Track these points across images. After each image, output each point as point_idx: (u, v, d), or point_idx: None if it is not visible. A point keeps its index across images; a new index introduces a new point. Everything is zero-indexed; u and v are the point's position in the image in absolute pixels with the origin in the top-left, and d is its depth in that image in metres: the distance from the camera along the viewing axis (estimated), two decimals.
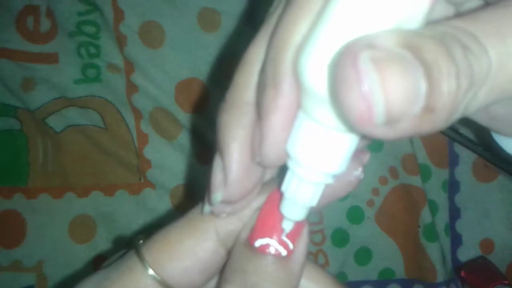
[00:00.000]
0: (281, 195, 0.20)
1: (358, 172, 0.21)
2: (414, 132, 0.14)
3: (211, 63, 0.54)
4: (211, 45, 0.53)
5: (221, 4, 0.53)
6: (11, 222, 0.51)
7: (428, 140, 0.56)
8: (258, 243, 0.20)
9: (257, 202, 0.21)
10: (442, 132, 0.54)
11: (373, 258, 0.55)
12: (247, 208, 0.21)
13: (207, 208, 0.21)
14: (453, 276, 0.56)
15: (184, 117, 0.53)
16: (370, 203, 0.55)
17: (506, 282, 0.52)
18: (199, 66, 0.53)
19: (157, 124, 0.53)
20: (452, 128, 0.54)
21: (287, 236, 0.20)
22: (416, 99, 0.13)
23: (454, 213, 0.57)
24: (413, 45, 0.13)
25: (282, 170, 0.20)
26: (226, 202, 0.20)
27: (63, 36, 0.52)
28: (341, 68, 0.13)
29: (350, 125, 0.14)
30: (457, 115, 0.14)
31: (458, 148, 0.56)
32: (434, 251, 0.55)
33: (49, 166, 0.52)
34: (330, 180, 0.18)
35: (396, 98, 0.13)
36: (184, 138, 0.53)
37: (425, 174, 0.56)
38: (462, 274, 0.55)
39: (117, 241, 0.52)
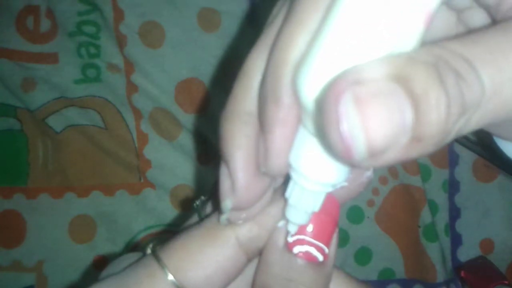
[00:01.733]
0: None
1: (369, 173, 0.22)
2: (403, 160, 0.14)
3: (211, 63, 0.54)
4: (211, 45, 0.53)
5: (221, 4, 0.53)
6: (11, 222, 0.51)
7: None
8: (297, 249, 0.21)
9: (275, 208, 0.21)
10: None
11: (373, 258, 0.55)
12: (266, 215, 0.21)
13: (224, 217, 0.21)
14: (453, 276, 0.56)
15: (184, 117, 0.53)
16: (370, 203, 0.55)
17: (506, 282, 0.52)
18: (199, 66, 0.53)
19: (157, 124, 0.53)
20: None
21: (322, 240, 0.21)
22: (402, 131, 0.13)
23: (454, 213, 0.57)
24: (403, 76, 0.13)
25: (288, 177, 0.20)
26: (237, 209, 0.20)
27: (63, 36, 0.52)
28: (324, 106, 0.14)
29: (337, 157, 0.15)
30: (448, 139, 0.15)
31: (458, 148, 0.56)
32: (434, 251, 0.56)
33: (49, 166, 0.52)
34: (330, 189, 0.19)
35: (378, 135, 0.13)
36: (184, 138, 0.53)
37: (425, 174, 0.56)
38: (462, 274, 0.55)
39: (118, 243, 0.52)
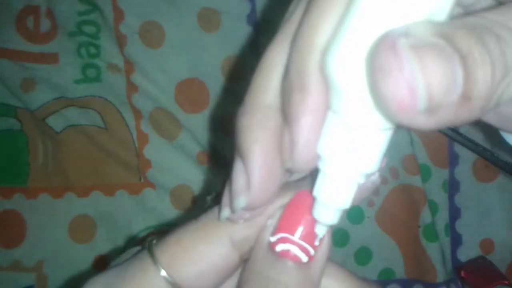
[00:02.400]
0: (312, 199, 0.19)
1: (375, 178, 0.21)
2: (453, 121, 0.14)
3: (211, 63, 0.54)
4: (211, 45, 0.53)
5: (221, 4, 0.53)
6: (11, 222, 0.51)
7: (428, 140, 0.56)
8: (279, 247, 0.20)
9: (271, 208, 0.21)
10: (442, 132, 0.54)
11: (373, 258, 0.55)
12: (262, 215, 0.21)
13: (225, 213, 0.21)
14: (453, 276, 0.56)
15: (184, 117, 0.53)
16: (370, 203, 0.55)
17: (506, 282, 0.52)
18: (199, 66, 0.53)
19: (157, 124, 0.53)
20: (452, 128, 0.54)
21: (307, 241, 0.20)
22: (454, 87, 0.13)
23: (454, 213, 0.57)
24: (447, 35, 0.13)
25: (311, 175, 0.20)
26: (249, 208, 0.20)
27: (63, 36, 0.52)
28: (380, 55, 0.13)
29: (390, 115, 0.14)
30: (492, 104, 0.14)
31: (458, 148, 0.56)
32: (434, 251, 0.55)
33: (49, 166, 0.52)
34: (363, 180, 0.18)
35: (436, 84, 0.13)
36: (184, 138, 0.53)
37: (425, 174, 0.56)
38: (462, 274, 0.55)
39: (119, 241, 0.52)
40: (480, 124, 0.19)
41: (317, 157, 0.18)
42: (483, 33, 0.14)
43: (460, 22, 0.14)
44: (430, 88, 0.13)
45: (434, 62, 0.13)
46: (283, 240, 0.20)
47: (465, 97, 0.13)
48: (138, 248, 0.23)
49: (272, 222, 0.21)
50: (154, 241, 0.22)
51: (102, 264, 0.51)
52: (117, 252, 0.52)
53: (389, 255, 0.55)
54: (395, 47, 0.13)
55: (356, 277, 0.22)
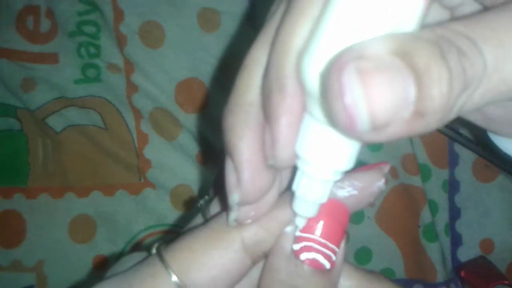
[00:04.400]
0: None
1: (381, 183, 0.22)
2: (406, 135, 0.14)
3: (211, 63, 0.54)
4: (211, 45, 0.53)
5: (221, 4, 0.53)
6: (11, 222, 0.51)
7: (428, 140, 0.56)
8: (304, 256, 0.21)
9: (282, 213, 0.21)
10: (442, 132, 0.54)
11: (373, 258, 0.55)
12: (273, 219, 0.21)
13: (232, 217, 0.21)
14: (453, 276, 0.56)
15: (184, 117, 0.53)
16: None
17: (506, 282, 0.52)
18: (199, 66, 0.53)
19: (157, 124, 0.53)
20: (452, 128, 0.54)
21: (330, 248, 0.21)
22: (405, 105, 0.13)
23: (454, 213, 0.57)
24: (405, 52, 0.13)
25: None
26: (244, 203, 0.20)
27: (63, 36, 0.52)
28: (328, 78, 0.14)
29: (340, 131, 0.15)
30: (451, 116, 0.15)
31: (458, 148, 0.56)
32: (434, 251, 0.56)
33: (49, 166, 0.52)
34: (338, 177, 0.19)
35: (380, 107, 0.13)
36: (184, 138, 0.53)
37: (425, 174, 0.56)
38: (462, 274, 0.55)
39: (119, 243, 0.52)
40: (468, 124, 0.19)
41: (296, 155, 0.19)
42: (445, 48, 0.14)
43: (426, 33, 0.14)
44: (373, 113, 0.13)
45: (381, 85, 0.13)
46: (307, 249, 0.21)
47: (418, 113, 0.14)
48: (139, 253, 0.23)
49: (291, 229, 0.21)
50: (163, 247, 0.22)
51: (102, 264, 0.51)
52: (117, 252, 0.52)
53: (389, 255, 0.55)
54: (341, 72, 0.13)
55: (361, 270, 0.23)
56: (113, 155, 0.53)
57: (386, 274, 0.55)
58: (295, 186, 0.20)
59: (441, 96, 0.14)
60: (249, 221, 0.21)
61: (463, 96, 0.14)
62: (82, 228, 0.52)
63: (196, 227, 0.23)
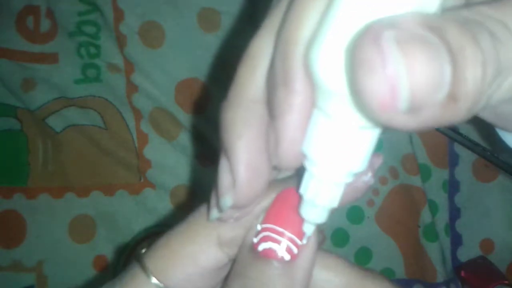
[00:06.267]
0: (299, 197, 0.19)
1: (367, 177, 0.20)
2: (436, 122, 0.13)
3: (211, 63, 0.54)
4: (211, 45, 0.53)
5: (221, 4, 0.53)
6: (11, 222, 0.51)
7: (428, 140, 0.56)
8: (261, 247, 0.19)
9: (259, 207, 0.20)
10: (442, 132, 0.54)
11: (373, 258, 0.55)
12: (250, 215, 0.20)
13: (214, 214, 0.20)
14: (453, 276, 0.56)
15: (184, 117, 0.53)
16: (370, 203, 0.55)
17: (506, 282, 0.52)
18: (199, 66, 0.53)
19: (157, 124, 0.53)
20: (452, 128, 0.54)
21: (291, 239, 0.19)
22: (440, 85, 0.12)
23: (454, 213, 0.57)
24: (437, 28, 0.12)
25: (297, 172, 0.19)
26: (236, 206, 0.19)
27: (63, 36, 0.52)
28: (361, 49, 0.12)
29: (370, 114, 0.13)
30: (480, 106, 0.13)
31: (458, 148, 0.56)
32: (434, 251, 0.55)
33: (49, 166, 0.52)
34: (350, 179, 0.17)
35: (421, 82, 0.12)
36: (184, 138, 0.53)
37: (425, 174, 0.56)
38: (462, 274, 0.55)
39: (120, 246, 0.52)
40: (477, 121, 0.18)
41: (303, 155, 0.17)
42: (476, 29, 0.13)
43: (452, 15, 0.13)
44: (414, 87, 0.12)
45: (421, 58, 0.12)
46: (265, 239, 0.19)
47: (452, 97, 0.12)
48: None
49: (257, 223, 0.20)
50: (144, 249, 0.22)
51: (102, 264, 0.51)
52: (117, 253, 0.52)
53: (389, 255, 0.55)
54: (379, 40, 0.12)
55: (355, 267, 0.21)
56: (113, 155, 0.53)
57: (386, 274, 0.55)
58: (302, 190, 0.18)
59: (475, 80, 0.12)
60: (231, 220, 0.20)
61: (494, 84, 0.13)
62: (82, 228, 0.52)
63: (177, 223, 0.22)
